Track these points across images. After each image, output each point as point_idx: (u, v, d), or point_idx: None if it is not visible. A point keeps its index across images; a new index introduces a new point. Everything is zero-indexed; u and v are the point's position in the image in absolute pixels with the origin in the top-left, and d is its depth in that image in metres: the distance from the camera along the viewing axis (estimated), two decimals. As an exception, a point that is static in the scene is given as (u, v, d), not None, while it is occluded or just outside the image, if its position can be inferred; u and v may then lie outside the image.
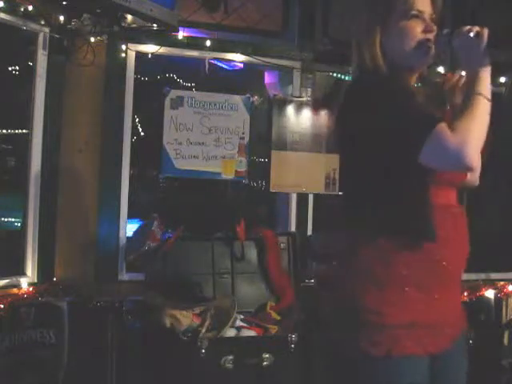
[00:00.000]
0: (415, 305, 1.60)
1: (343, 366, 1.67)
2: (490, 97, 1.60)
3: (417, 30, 1.69)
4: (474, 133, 1.52)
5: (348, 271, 1.67)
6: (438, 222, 1.60)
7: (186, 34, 3.67)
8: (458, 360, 1.75)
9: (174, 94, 3.81)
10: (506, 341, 3.85)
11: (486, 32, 1.60)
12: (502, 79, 4.11)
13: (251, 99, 3.94)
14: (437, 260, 1.62)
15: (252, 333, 3.12)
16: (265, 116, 4.07)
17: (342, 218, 1.75)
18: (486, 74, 1.62)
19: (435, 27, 1.71)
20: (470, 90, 1.61)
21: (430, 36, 1.69)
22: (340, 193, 1.90)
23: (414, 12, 1.69)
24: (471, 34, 1.60)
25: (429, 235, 1.59)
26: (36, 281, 3.42)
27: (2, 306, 3.00)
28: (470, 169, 1.56)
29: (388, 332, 1.57)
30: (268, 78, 4.18)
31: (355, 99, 1.67)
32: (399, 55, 1.71)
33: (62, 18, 3.36)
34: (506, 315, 3.96)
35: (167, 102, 3.79)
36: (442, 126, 1.52)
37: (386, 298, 1.59)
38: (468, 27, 1.61)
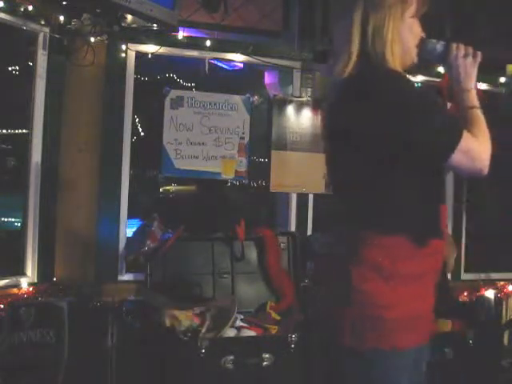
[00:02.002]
0: (417, 298, 1.64)
1: (351, 362, 1.64)
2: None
3: (420, 29, 1.75)
4: (489, 142, 1.64)
5: (351, 265, 1.63)
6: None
7: (185, 34, 3.67)
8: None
9: (173, 93, 3.81)
10: (506, 341, 3.84)
11: (480, 56, 1.72)
12: (502, 79, 4.11)
13: (251, 99, 3.94)
14: (438, 253, 1.68)
15: (252, 333, 3.12)
16: (265, 116, 4.07)
17: (345, 215, 1.73)
18: (474, 89, 1.74)
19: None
20: (467, 105, 1.71)
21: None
22: (335, 189, 1.80)
23: (423, 11, 1.73)
24: (468, 60, 1.71)
25: (439, 235, 1.66)
26: (36, 281, 3.42)
27: (2, 306, 3.00)
28: (483, 176, 1.64)
29: (395, 326, 1.59)
30: (268, 78, 4.18)
31: (371, 96, 1.59)
32: (403, 50, 1.70)
33: (62, 18, 3.36)
34: (506, 315, 3.95)
35: (167, 102, 3.79)
36: (468, 135, 1.60)
37: (392, 290, 1.60)
38: (463, 49, 1.71)
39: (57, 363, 3.16)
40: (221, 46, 3.81)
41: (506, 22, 3.95)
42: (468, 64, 1.71)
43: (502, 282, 4.18)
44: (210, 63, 3.82)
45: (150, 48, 3.67)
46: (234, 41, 3.87)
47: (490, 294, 3.95)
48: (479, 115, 1.69)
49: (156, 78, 4.55)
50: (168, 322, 3.10)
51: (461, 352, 3.40)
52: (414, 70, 4.09)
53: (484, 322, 3.76)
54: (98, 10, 3.25)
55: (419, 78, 4.14)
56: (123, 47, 3.59)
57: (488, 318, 3.84)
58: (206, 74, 3.82)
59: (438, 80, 4.11)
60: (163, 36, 3.60)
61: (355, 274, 1.61)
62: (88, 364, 3.28)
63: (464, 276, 4.30)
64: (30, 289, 3.29)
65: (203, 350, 2.90)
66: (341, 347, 1.64)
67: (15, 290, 3.25)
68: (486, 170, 1.62)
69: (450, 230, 4.25)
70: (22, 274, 3.41)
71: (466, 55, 1.72)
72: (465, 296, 4.05)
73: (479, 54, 1.73)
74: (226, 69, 4.07)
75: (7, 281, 3.30)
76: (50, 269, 3.48)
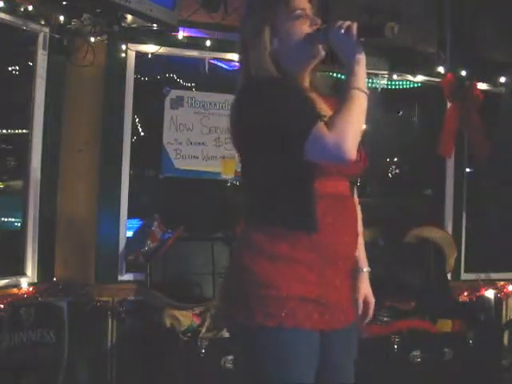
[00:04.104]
0: (305, 280, 1.69)
1: (241, 336, 1.73)
2: (366, 89, 1.66)
3: (304, 27, 1.75)
4: (350, 127, 1.59)
5: (242, 249, 1.77)
6: (324, 211, 1.70)
7: (185, 34, 3.67)
8: (347, 346, 1.82)
9: (174, 93, 3.81)
10: (506, 341, 3.85)
11: (355, 27, 1.65)
12: (502, 79, 4.11)
13: (251, 99, 3.93)
14: (324, 244, 1.70)
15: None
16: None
17: (244, 206, 1.86)
18: (360, 68, 1.67)
19: (319, 20, 1.77)
20: (346, 85, 1.66)
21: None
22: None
23: (297, 12, 1.75)
24: (342, 31, 1.66)
25: (310, 227, 1.68)
26: (36, 281, 3.41)
27: (2, 306, 3.00)
28: (348, 161, 1.61)
29: (280, 304, 1.66)
30: (268, 78, 4.17)
31: (247, 101, 1.72)
32: (291, 56, 1.77)
33: (62, 18, 3.35)
34: (506, 315, 3.96)
35: (167, 102, 3.79)
36: (321, 125, 1.59)
37: (277, 270, 1.68)
38: (339, 23, 1.67)
39: (57, 363, 3.16)
40: (221, 46, 3.80)
41: (506, 22, 3.94)
42: (344, 37, 1.65)
43: (502, 282, 4.18)
44: (209, 63, 3.82)
45: (150, 48, 3.67)
46: (234, 41, 3.84)
47: (490, 294, 3.96)
48: (356, 98, 1.63)
49: (156, 78, 4.54)
50: (168, 322, 3.10)
51: (461, 352, 3.41)
52: (414, 71, 4.09)
53: (484, 322, 3.76)
54: (98, 10, 3.25)
55: (419, 78, 4.14)
56: (123, 47, 3.59)
57: (488, 318, 3.84)
58: (206, 74, 3.82)
59: (438, 80, 4.12)
60: (163, 36, 3.60)
61: (245, 256, 1.73)
62: (88, 364, 3.28)
63: (464, 276, 4.29)
64: (30, 289, 3.29)
65: (203, 350, 2.91)
66: (235, 324, 1.74)
67: (15, 290, 3.25)
68: (347, 157, 1.58)
69: (450, 230, 4.25)
70: (22, 274, 3.41)
71: (339, 27, 1.66)
72: (465, 296, 4.05)
73: (354, 25, 1.65)
74: (226, 69, 4.06)
75: (7, 281, 3.30)
76: (50, 269, 3.48)
